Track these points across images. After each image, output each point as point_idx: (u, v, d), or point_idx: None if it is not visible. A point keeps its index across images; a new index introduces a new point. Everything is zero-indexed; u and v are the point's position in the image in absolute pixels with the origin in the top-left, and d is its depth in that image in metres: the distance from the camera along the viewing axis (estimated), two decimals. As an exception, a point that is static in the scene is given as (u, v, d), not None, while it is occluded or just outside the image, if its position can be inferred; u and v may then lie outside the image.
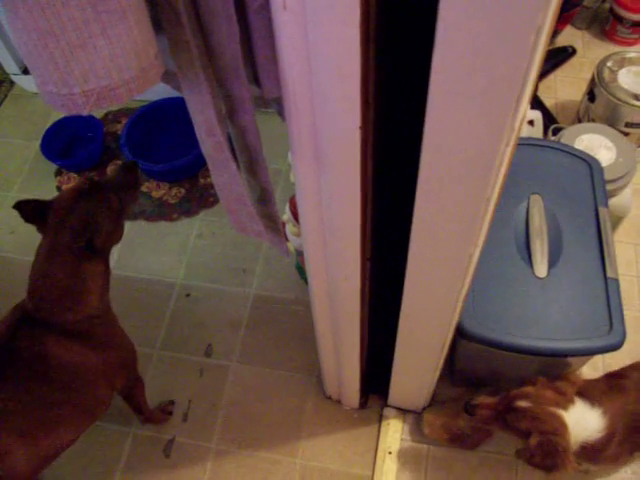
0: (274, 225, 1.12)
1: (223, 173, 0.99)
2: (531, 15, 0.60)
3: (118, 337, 1.56)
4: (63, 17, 0.61)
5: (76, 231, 1.34)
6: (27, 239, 1.71)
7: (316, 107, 0.79)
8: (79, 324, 1.40)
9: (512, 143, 0.80)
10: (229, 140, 0.94)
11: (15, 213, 1.38)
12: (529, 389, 1.49)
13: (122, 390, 1.68)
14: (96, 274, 1.40)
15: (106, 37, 0.64)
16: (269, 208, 1.09)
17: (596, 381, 1.62)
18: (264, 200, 1.08)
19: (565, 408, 1.45)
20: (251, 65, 0.85)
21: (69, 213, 1.35)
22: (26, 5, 0.60)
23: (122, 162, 1.45)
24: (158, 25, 0.75)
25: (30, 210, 1.38)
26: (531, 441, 1.43)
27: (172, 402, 1.99)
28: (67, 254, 1.35)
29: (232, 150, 0.95)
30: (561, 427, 1.43)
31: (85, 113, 0.70)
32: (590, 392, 1.52)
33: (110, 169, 1.38)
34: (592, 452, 1.49)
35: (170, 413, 1.97)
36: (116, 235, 1.44)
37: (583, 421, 1.47)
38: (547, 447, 1.42)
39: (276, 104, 0.95)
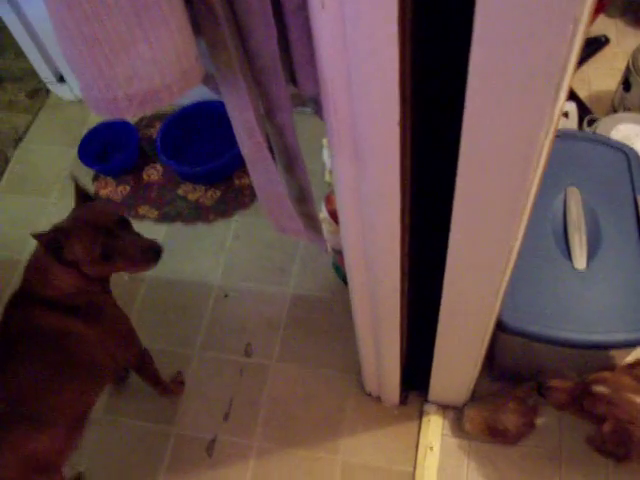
0: (313, 223, 1.13)
1: (262, 173, 1.00)
2: (569, 4, 0.60)
3: (110, 313, 1.63)
4: (107, 25, 0.63)
5: (54, 236, 1.43)
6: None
7: (355, 104, 0.79)
8: (62, 299, 1.49)
9: (551, 134, 0.80)
10: (267, 140, 0.95)
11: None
12: (607, 374, 1.46)
13: (132, 365, 1.80)
14: (66, 275, 1.48)
15: (148, 41, 0.66)
16: (308, 206, 1.10)
17: None
18: (303, 199, 1.09)
19: None
20: (288, 64, 0.86)
21: (76, 219, 1.48)
22: (73, 15, 0.62)
23: (154, 245, 1.52)
24: (196, 28, 0.76)
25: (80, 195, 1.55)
26: (604, 427, 1.40)
27: (179, 372, 2.06)
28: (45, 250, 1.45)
29: (270, 150, 0.96)
30: (638, 416, 1.40)
31: (129, 116, 0.71)
32: None
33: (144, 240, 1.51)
34: None
35: (182, 383, 2.04)
36: (91, 267, 1.49)
37: None
38: (621, 435, 1.39)
39: (313, 103, 0.96)
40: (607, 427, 1.40)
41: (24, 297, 1.50)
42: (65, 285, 1.49)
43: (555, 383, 1.52)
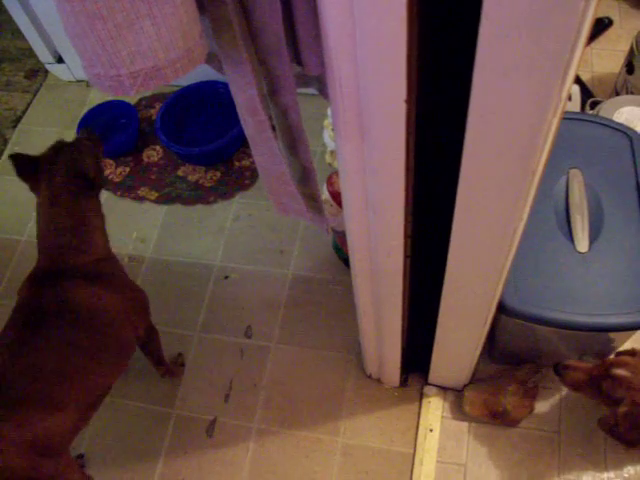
0: (315, 204, 1.13)
1: (265, 153, 0.99)
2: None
3: (127, 280, 1.65)
4: (111, 0, 0.62)
5: (69, 172, 1.45)
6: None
7: (361, 82, 0.78)
8: (90, 267, 1.49)
9: (559, 114, 0.79)
10: (270, 119, 0.94)
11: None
12: (628, 358, 1.46)
13: (140, 339, 1.78)
14: (95, 211, 1.50)
15: (152, 17, 0.65)
16: (310, 187, 1.09)
17: None
18: (305, 179, 1.08)
19: None
20: (292, 43, 0.85)
21: (55, 162, 1.48)
22: (75, -12, 0.61)
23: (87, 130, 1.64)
24: (200, 5, 0.75)
25: (24, 164, 1.51)
26: (619, 410, 1.40)
27: (180, 354, 2.07)
28: (65, 196, 1.46)
29: (273, 129, 0.95)
30: None
31: (132, 94, 0.70)
32: None
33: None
34: None
35: (182, 365, 2.06)
36: (100, 174, 1.56)
37: None
38: (635, 420, 1.39)
39: (317, 82, 0.95)
40: (622, 410, 1.39)
41: (48, 273, 1.48)
42: (94, 248, 1.49)
43: (572, 362, 1.52)
